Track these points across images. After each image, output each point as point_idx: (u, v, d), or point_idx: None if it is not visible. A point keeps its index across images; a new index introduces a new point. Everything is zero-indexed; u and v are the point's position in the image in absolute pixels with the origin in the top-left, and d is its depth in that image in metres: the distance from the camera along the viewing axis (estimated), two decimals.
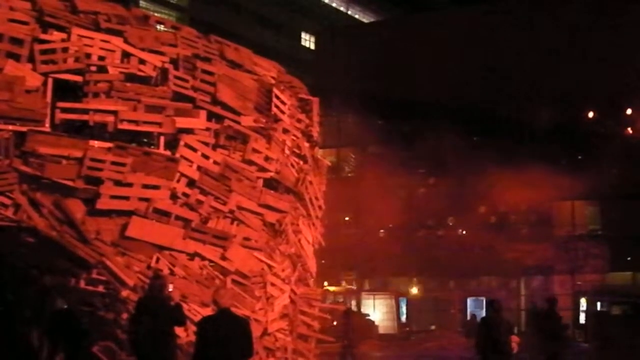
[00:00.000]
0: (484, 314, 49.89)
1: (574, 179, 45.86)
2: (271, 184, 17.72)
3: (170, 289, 14.63)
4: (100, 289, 15.43)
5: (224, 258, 16.35)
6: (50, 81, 15.19)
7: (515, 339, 18.34)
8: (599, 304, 48.07)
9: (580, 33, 50.16)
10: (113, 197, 15.22)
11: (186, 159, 16.08)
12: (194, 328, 13.57)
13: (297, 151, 19.15)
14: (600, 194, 49.15)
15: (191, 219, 15.98)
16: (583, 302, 49.71)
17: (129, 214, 15.35)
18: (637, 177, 46.94)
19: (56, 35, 15.43)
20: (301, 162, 19.19)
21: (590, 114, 51.00)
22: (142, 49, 16.24)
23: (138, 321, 13.62)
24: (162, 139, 16.12)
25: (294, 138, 19.03)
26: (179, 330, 14.45)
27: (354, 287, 54.76)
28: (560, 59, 49.89)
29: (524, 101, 50.34)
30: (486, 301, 22.52)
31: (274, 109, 18.01)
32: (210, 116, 16.74)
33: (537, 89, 49.99)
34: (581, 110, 50.43)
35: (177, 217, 15.82)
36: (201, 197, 16.21)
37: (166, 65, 16.44)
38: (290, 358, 17.97)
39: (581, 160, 50.25)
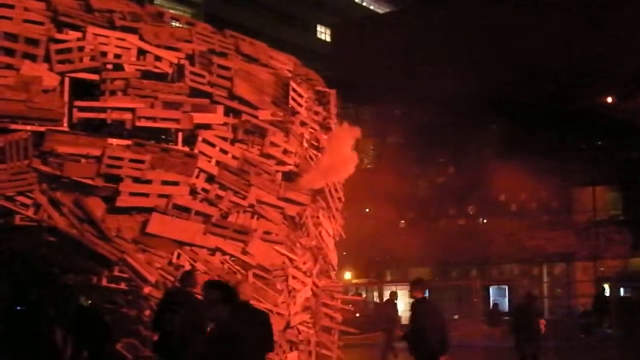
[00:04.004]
0: (506, 302, 50.12)
1: (594, 165, 45.71)
2: (290, 177, 17.72)
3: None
4: (122, 286, 15.49)
5: (245, 252, 16.37)
6: (67, 80, 15.21)
7: (542, 322, 21.69)
8: (622, 289, 47.90)
9: (600, 17, 49.90)
10: (132, 194, 15.25)
11: (205, 154, 16.09)
12: None
13: (316, 144, 19.13)
14: (621, 178, 48.91)
15: (211, 214, 16.00)
16: (606, 289, 49.53)
17: (149, 210, 15.39)
18: None
19: (71, 35, 15.44)
20: (319, 155, 19.17)
21: (610, 99, 50.74)
22: (158, 46, 16.24)
23: (163, 317, 13.62)
24: (180, 135, 16.13)
25: (312, 131, 19.01)
26: None
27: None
28: (580, 43, 49.62)
29: (543, 87, 50.05)
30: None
31: (291, 102, 17.99)
32: (228, 111, 16.73)
33: (556, 74, 49.72)
34: (601, 95, 50.16)
35: (197, 213, 15.84)
36: (221, 192, 16.22)
37: (182, 62, 16.42)
38: (314, 350, 17.99)
39: (601, 145, 50.04)
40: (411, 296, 14.93)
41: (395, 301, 29.98)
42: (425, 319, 14.43)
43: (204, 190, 16.05)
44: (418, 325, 14.47)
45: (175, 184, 15.64)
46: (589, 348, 33.54)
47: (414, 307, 14.74)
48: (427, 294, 15.03)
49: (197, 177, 15.95)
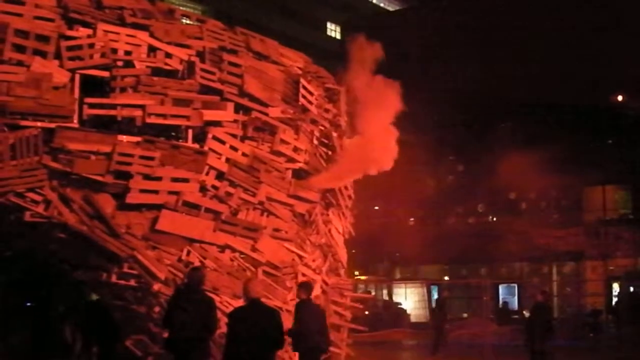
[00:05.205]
0: (515, 300, 50.06)
1: (604, 163, 45.55)
2: (300, 175, 17.71)
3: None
4: (132, 283, 15.50)
5: (254, 249, 16.38)
6: (77, 77, 15.24)
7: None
8: (631, 288, 47.76)
9: (610, 15, 49.79)
10: (142, 191, 15.27)
11: (214, 151, 16.10)
12: (225, 320, 13.59)
13: (326, 141, 19.12)
14: (630, 177, 48.75)
15: (221, 211, 16.01)
16: (616, 287, 49.39)
17: (159, 207, 15.40)
18: None
19: (82, 31, 15.47)
20: (330, 152, 19.17)
21: (620, 97, 50.57)
22: (168, 43, 16.25)
23: (176, 313, 13.62)
24: (190, 132, 16.14)
25: (322, 128, 19.01)
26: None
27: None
28: (589, 41, 49.50)
29: (554, 85, 49.93)
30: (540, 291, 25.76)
31: (302, 100, 17.99)
32: (238, 108, 16.73)
33: (567, 72, 49.60)
34: (610, 93, 50.00)
35: (207, 210, 15.85)
36: (230, 189, 16.23)
37: (192, 58, 16.44)
38: None
39: (611, 144, 49.87)
40: (297, 297, 15.38)
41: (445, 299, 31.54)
42: (308, 318, 15.00)
43: (213, 187, 16.06)
44: (301, 323, 14.96)
45: (185, 181, 15.65)
46: (598, 347, 33.46)
47: (298, 307, 15.26)
48: (310, 296, 15.65)
49: (207, 174, 15.96)
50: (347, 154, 18.49)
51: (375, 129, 17.55)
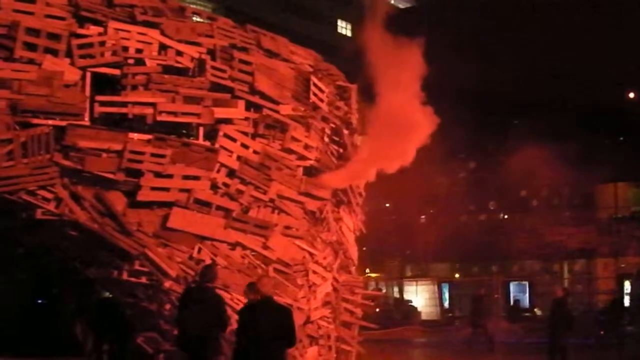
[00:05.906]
0: (527, 298, 50.03)
1: (616, 161, 45.44)
2: (311, 172, 17.70)
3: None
4: (143, 280, 15.53)
5: (265, 247, 16.37)
6: (88, 75, 15.24)
7: None
8: None
9: (623, 12, 49.65)
10: (153, 188, 15.27)
11: (226, 149, 16.09)
12: (236, 317, 13.60)
13: (337, 138, 19.11)
14: None
15: (232, 208, 16.00)
16: (627, 285, 49.30)
17: (170, 205, 15.40)
18: None
19: (93, 30, 15.46)
20: (341, 150, 19.15)
21: (632, 95, 50.46)
22: (179, 41, 16.24)
23: (185, 312, 13.65)
24: (201, 129, 16.14)
25: (333, 125, 18.99)
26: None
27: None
28: (604, 39, 49.36)
29: (566, 83, 49.83)
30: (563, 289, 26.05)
31: (312, 97, 17.97)
32: (249, 106, 16.73)
33: (578, 68, 49.49)
34: (623, 90, 49.88)
35: (218, 207, 15.85)
36: (241, 187, 16.23)
37: (203, 56, 16.43)
38: (334, 345, 17.98)
39: (623, 141, 49.78)
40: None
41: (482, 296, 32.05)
42: None
43: (224, 184, 16.05)
44: None
45: (196, 178, 15.65)
46: (609, 345, 33.37)
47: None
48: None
49: (218, 171, 15.95)
50: (374, 134, 18.05)
51: (399, 95, 17.19)
